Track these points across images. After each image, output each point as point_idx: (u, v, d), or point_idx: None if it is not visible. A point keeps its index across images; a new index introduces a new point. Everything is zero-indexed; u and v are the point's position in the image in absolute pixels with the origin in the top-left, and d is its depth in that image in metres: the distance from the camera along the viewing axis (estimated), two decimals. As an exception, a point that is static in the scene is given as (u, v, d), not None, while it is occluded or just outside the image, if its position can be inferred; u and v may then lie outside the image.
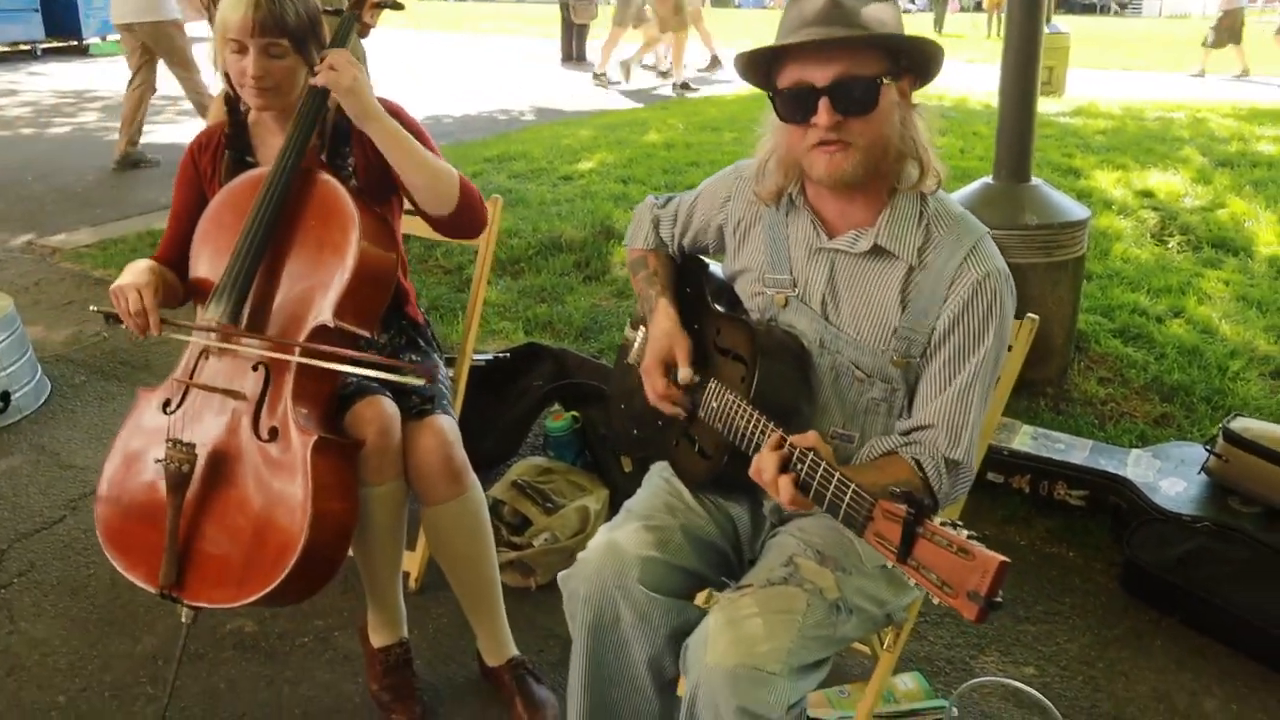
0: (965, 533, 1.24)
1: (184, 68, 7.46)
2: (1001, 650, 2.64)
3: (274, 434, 2.02)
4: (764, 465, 1.52)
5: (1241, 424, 2.95)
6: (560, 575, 1.84)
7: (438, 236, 2.38)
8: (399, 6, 2.34)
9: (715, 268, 2.06)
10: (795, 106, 1.63)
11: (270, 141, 2.29)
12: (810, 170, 1.69)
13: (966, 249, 1.69)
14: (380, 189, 2.31)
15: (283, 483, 1.99)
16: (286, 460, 1.99)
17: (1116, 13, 31.38)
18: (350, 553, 2.17)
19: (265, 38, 2.11)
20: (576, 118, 9.57)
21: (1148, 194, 6.04)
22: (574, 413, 3.19)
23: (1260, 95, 10.71)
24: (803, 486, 1.48)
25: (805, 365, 1.79)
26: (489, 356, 3.29)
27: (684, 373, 1.84)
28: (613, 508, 2.94)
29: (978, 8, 12.36)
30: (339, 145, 2.29)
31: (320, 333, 2.06)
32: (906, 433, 1.74)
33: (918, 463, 1.67)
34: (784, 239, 1.83)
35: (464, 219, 2.25)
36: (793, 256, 1.82)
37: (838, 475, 1.44)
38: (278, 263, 2.12)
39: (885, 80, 1.59)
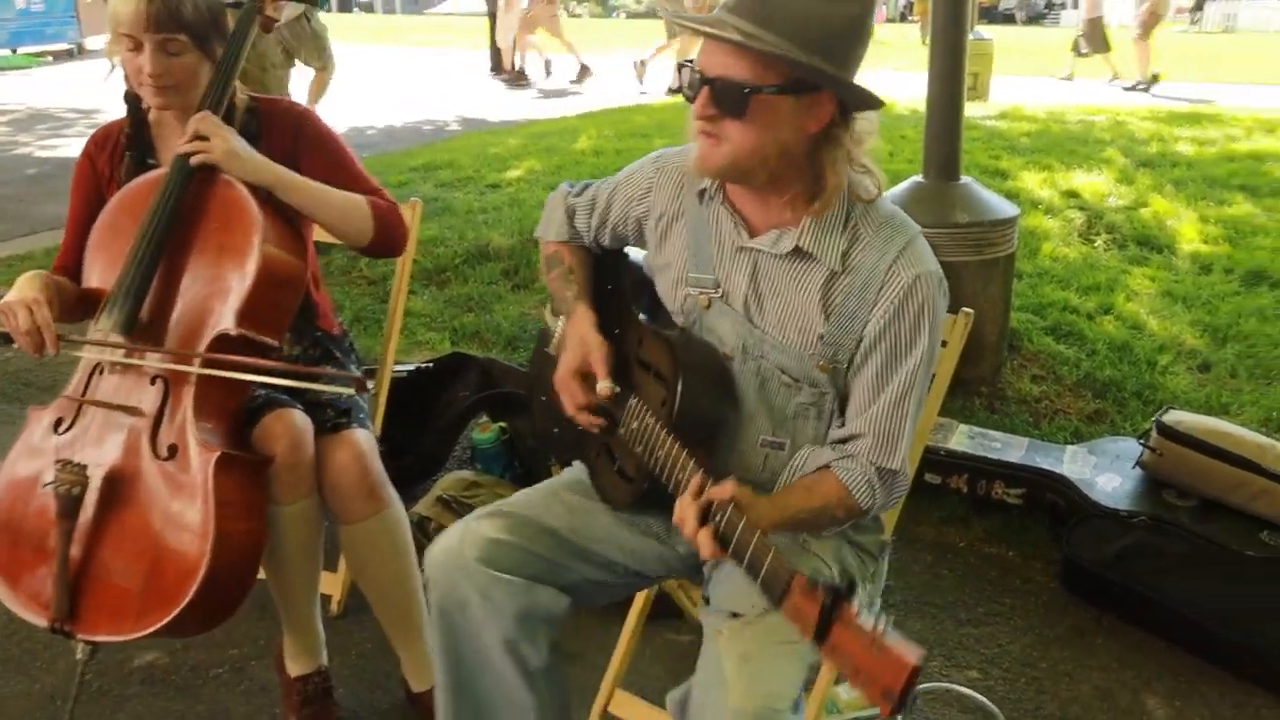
0: (884, 623, 1.22)
1: None
2: (944, 654, 2.59)
3: (173, 451, 1.89)
4: (685, 516, 1.47)
5: (1174, 417, 2.95)
6: (424, 559, 1.80)
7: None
8: (313, 1, 2.21)
9: (636, 255, 1.95)
10: (687, 81, 1.56)
11: (173, 142, 2.14)
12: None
13: (897, 250, 1.62)
14: (289, 193, 2.19)
15: (183, 503, 1.86)
16: (187, 479, 1.87)
17: (1027, 22, 32.04)
18: (264, 576, 2.05)
19: (161, 33, 1.98)
20: (504, 127, 9.45)
21: (1073, 194, 6.11)
22: (502, 423, 3.08)
23: (1155, 100, 10.95)
24: (722, 540, 1.44)
25: (728, 383, 1.71)
26: (411, 368, 3.17)
27: (603, 385, 1.73)
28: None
29: (903, 19, 12.57)
30: (245, 147, 2.17)
31: (223, 342, 1.93)
32: (841, 442, 1.68)
33: (847, 486, 1.63)
34: (707, 235, 1.74)
35: (383, 243, 2.17)
36: (715, 255, 1.73)
37: (757, 536, 1.40)
38: (175, 269, 1.99)
39: (766, 92, 1.49)
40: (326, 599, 2.64)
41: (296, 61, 7.52)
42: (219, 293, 1.95)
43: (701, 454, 1.67)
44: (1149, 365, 3.95)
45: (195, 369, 1.90)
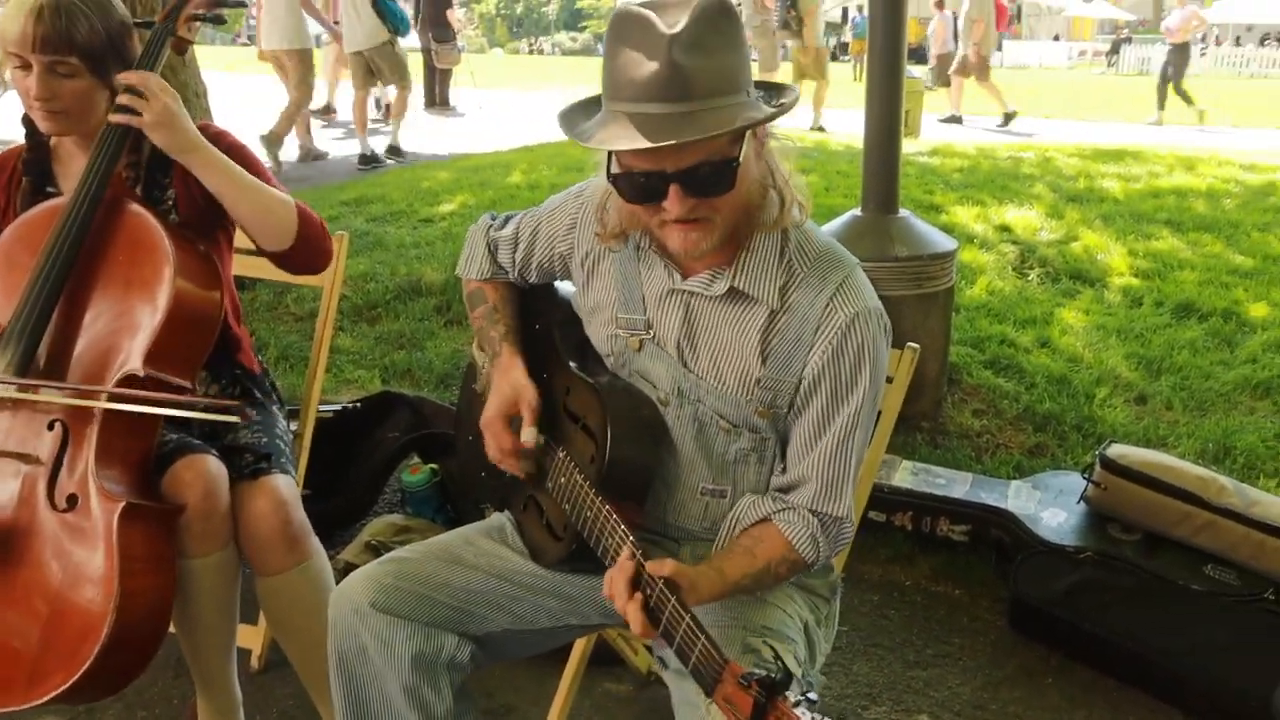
0: None
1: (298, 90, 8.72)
2: (893, 699, 2.52)
3: (73, 502, 1.75)
4: (615, 590, 1.39)
5: (1117, 450, 2.93)
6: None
7: (286, 277, 2.16)
8: (221, 21, 2.10)
9: (565, 289, 1.86)
10: (640, 191, 1.44)
11: (74, 168, 2.01)
12: (664, 242, 1.53)
13: (834, 287, 1.54)
14: (206, 223, 2.07)
15: (83, 558, 1.72)
16: (88, 531, 1.73)
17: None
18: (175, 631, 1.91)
19: (49, 55, 1.85)
20: (437, 161, 9.34)
21: (1006, 229, 6.17)
22: (433, 465, 2.95)
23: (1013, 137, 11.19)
24: (651, 617, 1.36)
25: (660, 433, 1.62)
26: (337, 407, 3.04)
27: (529, 434, 1.65)
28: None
29: (835, 58, 12.72)
30: (156, 174, 2.04)
31: (130, 383, 1.80)
32: (782, 490, 1.60)
33: (790, 541, 1.55)
34: (636, 275, 1.65)
35: (306, 252, 2.04)
36: (646, 296, 1.64)
37: (688, 619, 1.32)
38: (77, 306, 1.85)
39: (742, 158, 1.42)
40: (247, 653, 2.48)
41: (379, 83, 7.97)
42: (126, 330, 1.82)
43: (635, 511, 1.58)
44: (1087, 398, 3.95)
45: (101, 404, 1.77)
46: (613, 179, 1.46)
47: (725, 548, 1.58)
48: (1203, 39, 35.06)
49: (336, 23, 9.68)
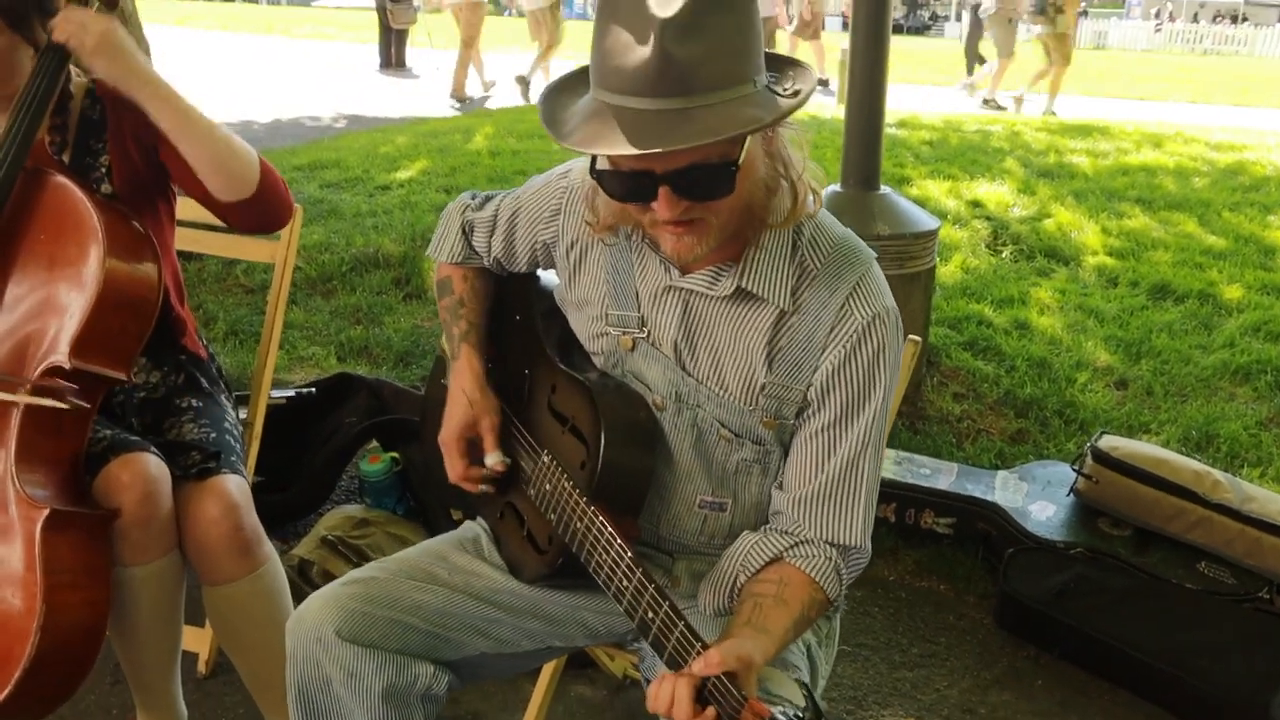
0: None
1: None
2: (880, 702, 2.41)
3: (-10, 510, 1.56)
4: (677, 707, 1.15)
5: (1109, 443, 2.82)
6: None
7: (235, 248, 1.95)
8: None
9: (549, 279, 1.68)
10: (627, 190, 1.28)
11: None
12: (655, 241, 1.37)
13: (849, 286, 1.38)
14: (144, 194, 1.87)
15: (3, 572, 1.53)
16: (8, 542, 1.55)
17: (911, 32, 32.85)
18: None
19: None
20: (393, 124, 9.03)
21: (977, 204, 6.07)
22: (393, 454, 2.77)
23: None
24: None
25: (658, 439, 1.46)
26: (291, 393, 2.84)
27: (493, 459, 1.51)
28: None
29: (815, 36, 12.44)
30: (87, 139, 1.83)
31: (54, 376, 1.60)
32: (783, 513, 1.43)
33: (813, 579, 1.38)
34: (628, 268, 1.47)
35: (265, 205, 1.83)
36: (640, 291, 1.47)
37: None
38: (-6, 288, 1.65)
39: (744, 159, 1.25)
40: (193, 658, 2.31)
41: None
42: (50, 316, 1.63)
43: (630, 523, 1.43)
44: (1068, 383, 3.86)
45: (21, 398, 1.58)
46: (596, 175, 1.29)
47: (752, 600, 1.37)
48: (1157, 14, 35.37)
49: None
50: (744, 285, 1.38)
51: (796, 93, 1.25)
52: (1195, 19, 36.67)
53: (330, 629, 1.45)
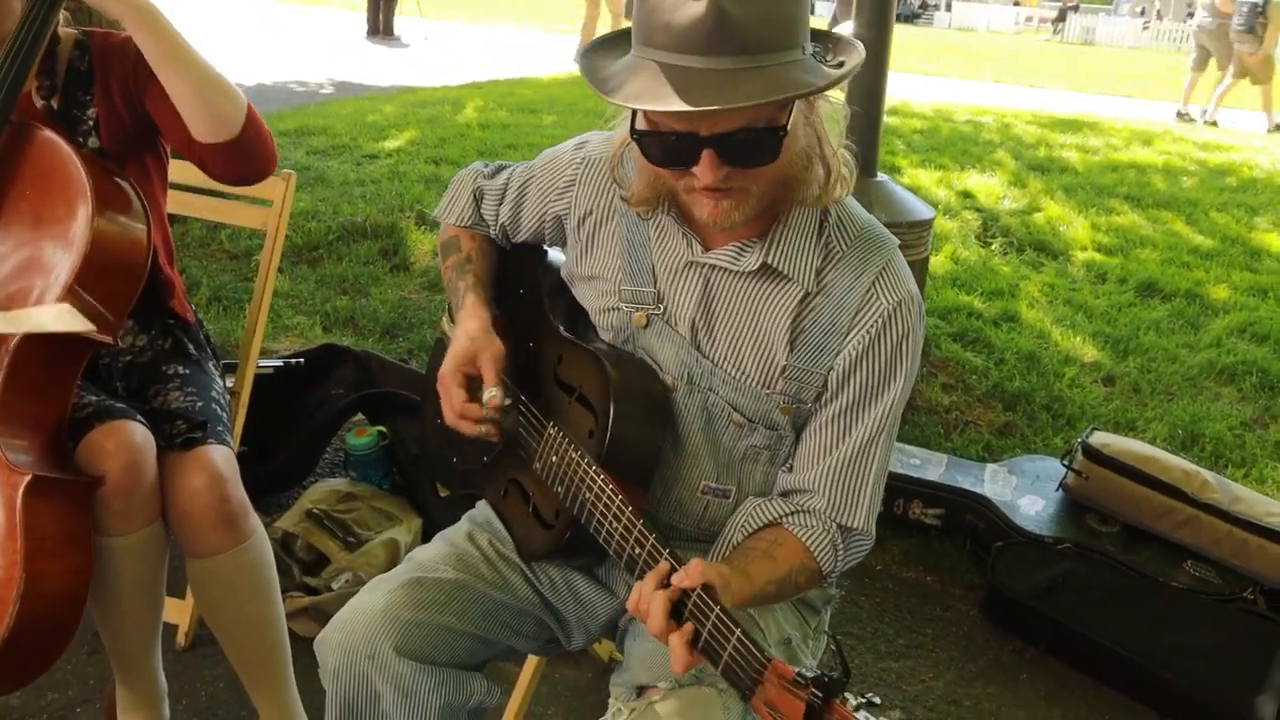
0: None
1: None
2: (865, 692, 2.38)
3: (-30, 475, 1.51)
4: (651, 610, 1.16)
5: (1100, 439, 2.82)
6: (316, 639, 1.47)
7: (222, 212, 1.89)
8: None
9: (556, 256, 1.65)
10: (668, 153, 1.24)
11: None
12: (690, 209, 1.33)
13: (876, 270, 1.36)
14: (133, 150, 1.82)
15: (-17, 540, 1.48)
16: (-12, 510, 1.49)
17: (911, 20, 32.89)
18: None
19: None
20: (381, 93, 8.91)
21: (968, 195, 6.06)
22: (380, 427, 2.73)
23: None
24: (702, 647, 1.16)
25: (669, 414, 1.43)
26: (278, 363, 2.79)
27: (491, 394, 1.41)
28: (425, 540, 2.51)
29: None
30: (75, 90, 1.77)
31: (38, 340, 1.55)
32: (790, 493, 1.42)
33: (807, 547, 1.37)
34: (645, 243, 1.44)
35: (247, 152, 1.77)
36: (656, 266, 1.43)
37: (717, 610, 1.15)
38: (-21, 245, 1.59)
39: (790, 125, 1.22)
40: (173, 629, 2.27)
41: None
42: (35, 275, 1.57)
43: (640, 495, 1.40)
44: (1056, 377, 3.86)
45: None
46: (637, 136, 1.25)
47: (740, 550, 1.38)
48: (1143, 12, 35.43)
49: None
50: (769, 261, 1.35)
51: (841, 64, 1.23)
52: (1189, 18, 36.75)
53: (388, 645, 1.39)
